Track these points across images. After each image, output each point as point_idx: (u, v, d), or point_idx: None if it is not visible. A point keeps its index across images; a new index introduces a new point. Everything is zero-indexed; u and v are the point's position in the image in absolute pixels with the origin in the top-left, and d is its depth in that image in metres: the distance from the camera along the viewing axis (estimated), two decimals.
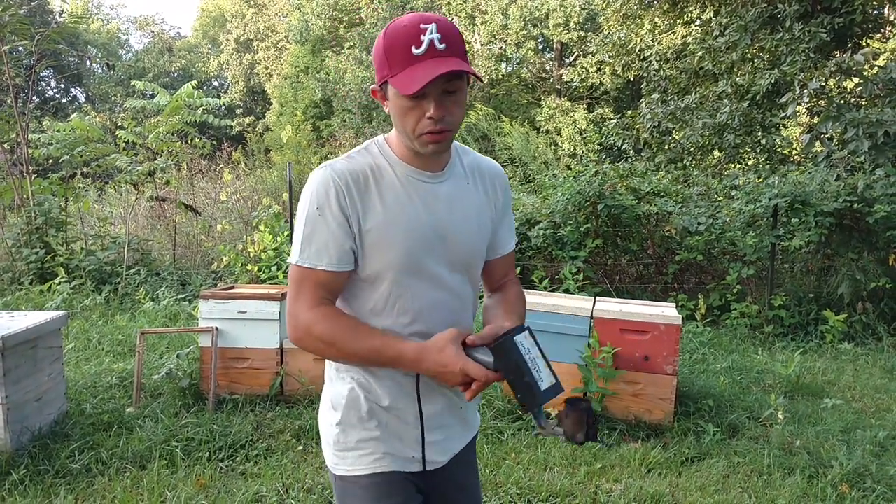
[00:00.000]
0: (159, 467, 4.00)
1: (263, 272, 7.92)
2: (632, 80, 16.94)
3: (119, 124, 11.49)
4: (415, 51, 1.59)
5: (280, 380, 4.95)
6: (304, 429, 4.51)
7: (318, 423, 1.92)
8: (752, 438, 4.58)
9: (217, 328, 4.95)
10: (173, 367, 5.09)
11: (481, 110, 19.32)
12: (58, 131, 9.95)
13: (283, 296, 5.00)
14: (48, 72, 27.62)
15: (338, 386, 1.83)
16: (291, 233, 5.71)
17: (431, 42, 1.59)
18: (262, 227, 8.53)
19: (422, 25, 1.61)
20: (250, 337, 4.95)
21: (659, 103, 12.19)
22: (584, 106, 21.94)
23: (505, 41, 23.08)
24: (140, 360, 4.96)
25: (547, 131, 20.87)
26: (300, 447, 4.33)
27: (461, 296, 1.83)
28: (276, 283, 7.52)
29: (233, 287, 5.45)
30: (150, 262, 9.35)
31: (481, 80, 1.66)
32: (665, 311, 4.78)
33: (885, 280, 7.43)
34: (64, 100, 34.11)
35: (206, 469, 4.04)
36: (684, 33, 14.08)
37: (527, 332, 1.57)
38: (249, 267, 8.09)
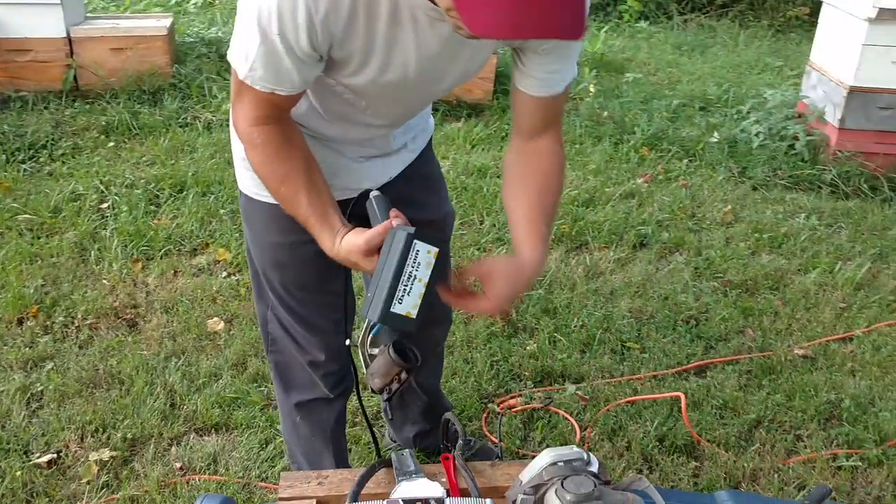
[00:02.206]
0: None
1: None
2: None
3: None
4: None
5: (73, 73, 4.43)
6: (113, 124, 4.16)
7: (230, 140, 1.60)
8: (565, 111, 4.83)
9: None
10: None
11: None
12: None
13: None
14: None
15: None
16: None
17: None
18: None
19: None
20: (28, 24, 4.30)
21: None
22: None
23: None
24: None
25: None
26: (111, 143, 4.03)
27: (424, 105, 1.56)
28: None
29: None
30: None
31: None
32: None
33: None
34: None
35: (6, 172, 3.69)
36: None
37: (435, 250, 1.21)
38: None
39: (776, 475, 2.19)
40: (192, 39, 5.12)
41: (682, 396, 2.42)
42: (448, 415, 1.43)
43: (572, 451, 1.19)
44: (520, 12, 0.93)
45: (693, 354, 2.72)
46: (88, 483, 2.07)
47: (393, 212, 1.28)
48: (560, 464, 1.17)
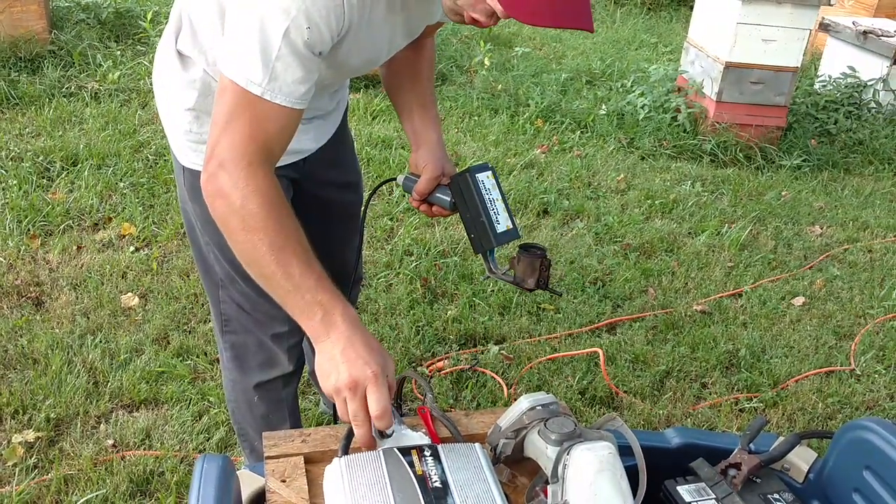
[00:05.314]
0: None
1: None
2: None
3: None
4: None
5: None
6: None
7: (155, 97, 1.52)
8: (460, 85, 4.91)
9: None
10: None
11: None
12: None
13: None
14: None
15: (190, 72, 1.43)
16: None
17: None
18: None
19: None
20: None
21: None
22: None
23: None
24: None
25: None
26: None
27: None
28: None
29: None
30: None
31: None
32: None
33: None
34: None
35: None
36: None
37: (490, 171, 1.44)
38: None
39: (688, 420, 2.38)
40: (67, 4, 4.83)
41: (601, 352, 2.57)
42: (408, 372, 1.48)
43: (548, 396, 1.27)
44: (554, 8, 1.06)
45: (602, 313, 2.88)
46: (15, 466, 1.98)
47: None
48: (538, 408, 1.25)
